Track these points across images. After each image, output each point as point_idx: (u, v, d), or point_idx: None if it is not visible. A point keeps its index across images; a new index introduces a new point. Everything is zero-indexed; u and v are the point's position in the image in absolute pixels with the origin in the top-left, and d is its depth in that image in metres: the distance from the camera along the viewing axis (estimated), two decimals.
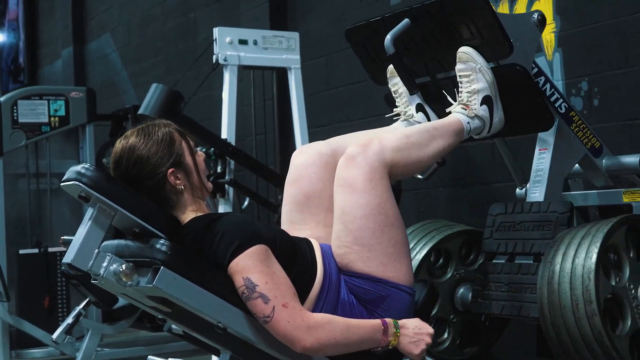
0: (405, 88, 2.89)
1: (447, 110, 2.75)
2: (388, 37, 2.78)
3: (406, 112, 2.91)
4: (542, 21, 2.91)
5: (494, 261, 3.01)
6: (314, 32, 5.46)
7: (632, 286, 2.54)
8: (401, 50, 2.84)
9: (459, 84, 2.74)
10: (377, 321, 2.25)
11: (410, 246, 3.22)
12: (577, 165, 3.22)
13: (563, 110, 3.04)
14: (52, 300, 5.10)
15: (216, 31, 4.49)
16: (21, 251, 5.12)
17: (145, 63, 7.75)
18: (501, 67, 2.78)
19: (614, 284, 2.54)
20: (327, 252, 2.40)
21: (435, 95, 2.90)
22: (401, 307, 2.34)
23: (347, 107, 5.19)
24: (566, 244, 2.61)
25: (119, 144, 2.34)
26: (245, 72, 4.94)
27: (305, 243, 2.40)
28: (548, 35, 3.94)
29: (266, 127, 5.23)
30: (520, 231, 2.92)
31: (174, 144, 2.33)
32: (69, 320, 3.87)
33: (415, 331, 2.27)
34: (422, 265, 3.19)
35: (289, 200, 2.58)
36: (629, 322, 2.49)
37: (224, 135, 4.43)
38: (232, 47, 4.50)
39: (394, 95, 2.97)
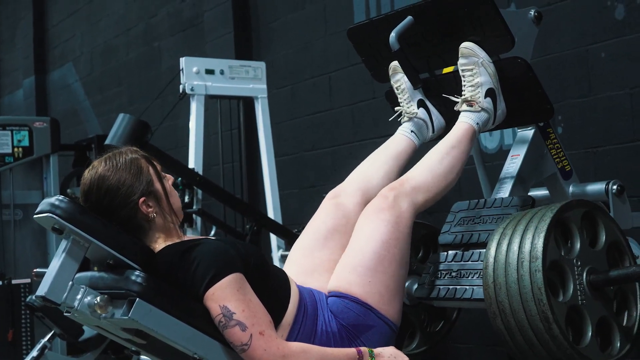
0: (407, 84, 2.96)
1: (455, 108, 2.80)
2: (393, 34, 2.84)
3: (408, 108, 2.96)
4: (538, 17, 3.00)
5: (447, 252, 2.90)
6: (279, 61, 5.49)
7: (579, 263, 2.52)
8: (404, 47, 2.90)
9: (462, 78, 2.80)
10: (352, 350, 2.25)
11: None
12: (543, 191, 3.25)
13: (542, 124, 3.10)
14: (15, 332, 5.04)
15: (183, 61, 4.50)
16: None
17: (108, 92, 7.73)
18: (502, 61, 2.85)
19: (562, 254, 2.51)
20: (303, 288, 2.41)
21: (437, 91, 2.97)
22: (383, 340, 2.36)
23: (313, 135, 5.21)
24: (518, 218, 2.56)
25: (88, 175, 2.33)
26: (211, 101, 4.94)
27: (280, 270, 2.42)
28: None
29: (233, 156, 5.24)
30: (478, 224, 2.89)
31: (142, 171, 2.33)
32: (34, 353, 3.83)
33: (390, 359, 2.28)
34: None
35: (315, 230, 2.65)
36: (570, 294, 2.44)
37: (191, 165, 4.43)
38: (199, 76, 4.52)
39: (396, 91, 3.03)
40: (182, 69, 4.49)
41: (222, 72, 4.58)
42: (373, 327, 2.35)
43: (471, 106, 2.77)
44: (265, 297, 2.23)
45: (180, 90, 4.50)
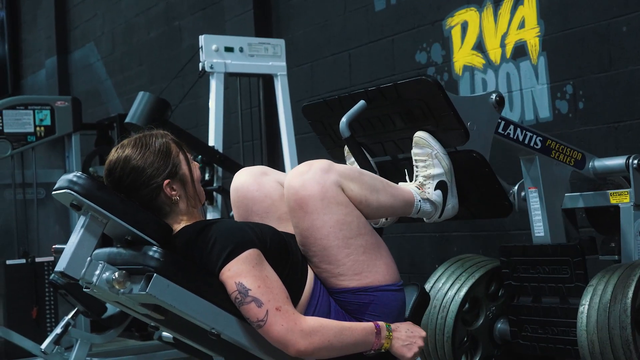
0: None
1: (400, 184, 2.66)
2: (343, 120, 2.75)
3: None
4: (500, 102, 2.88)
5: (521, 303, 3.25)
6: (298, 39, 5.48)
7: None
8: (358, 131, 2.83)
9: (415, 167, 2.70)
10: (370, 324, 2.26)
11: (441, 301, 3.36)
12: None
13: (539, 145, 3.09)
14: (40, 310, 5.09)
15: (202, 39, 4.50)
16: (8, 262, 5.10)
17: (129, 72, 7.75)
18: (458, 153, 2.74)
19: None
20: None
21: (394, 175, 2.84)
22: (389, 307, 2.34)
23: None
24: (595, 307, 2.87)
25: (115, 153, 2.33)
26: (231, 79, 4.94)
27: (294, 240, 2.38)
28: (532, 40, 3.97)
29: (253, 134, 5.24)
30: (538, 275, 3.18)
31: (170, 155, 2.32)
32: (58, 330, 3.87)
33: (407, 334, 2.29)
34: (457, 319, 3.32)
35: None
36: None
37: (211, 143, 4.44)
38: (218, 54, 4.51)
39: None
40: (202, 47, 4.49)
41: (241, 50, 4.58)
42: (371, 303, 2.31)
43: (418, 189, 2.64)
44: (284, 276, 2.23)
45: (200, 68, 4.50)
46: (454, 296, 3.31)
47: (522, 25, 4.02)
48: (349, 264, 2.30)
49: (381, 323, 2.27)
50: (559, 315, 3.10)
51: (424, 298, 2.51)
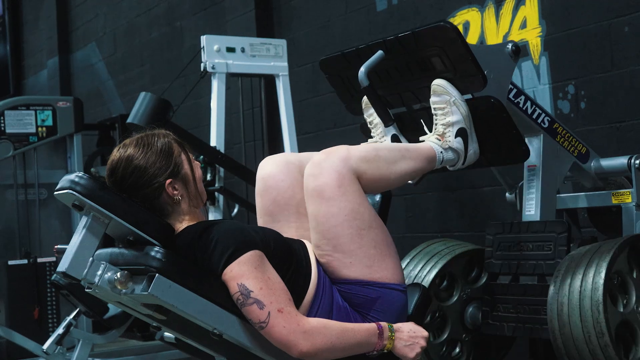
0: (380, 119, 2.89)
1: (420, 139, 2.72)
2: (362, 69, 2.77)
3: (381, 142, 2.90)
4: (516, 51, 2.90)
5: (499, 282, 3.08)
6: (300, 39, 5.48)
7: (639, 309, 2.61)
8: (375, 82, 2.83)
9: (434, 116, 2.73)
10: (372, 325, 2.26)
11: (415, 272, 3.25)
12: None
13: (546, 125, 3.06)
14: (41, 310, 5.08)
15: (204, 39, 4.50)
16: (10, 262, 5.10)
17: (131, 72, 7.75)
18: (476, 100, 2.77)
19: (622, 310, 2.59)
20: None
21: (411, 126, 2.88)
22: (394, 306, 2.35)
23: (335, 113, 5.20)
24: (571, 273, 2.67)
25: (117, 152, 2.33)
26: (233, 79, 4.94)
27: (299, 245, 2.40)
28: (534, 40, 3.97)
29: (255, 134, 5.24)
30: (520, 251, 3.01)
31: (172, 154, 2.33)
32: (60, 330, 3.87)
33: (410, 335, 2.28)
34: (430, 291, 3.21)
35: (262, 212, 2.57)
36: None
37: (213, 143, 4.43)
38: (220, 54, 4.51)
39: (369, 125, 2.97)
40: (203, 47, 4.48)
41: (243, 50, 4.57)
42: (378, 299, 2.33)
43: (439, 140, 2.68)
44: (287, 279, 2.23)
45: (202, 69, 4.50)
46: (431, 268, 3.24)
47: (523, 25, 4.02)
48: (361, 254, 2.32)
49: (383, 324, 2.27)
50: (533, 293, 2.95)
51: (425, 298, 2.51)
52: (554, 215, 3.13)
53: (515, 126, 2.77)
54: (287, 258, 2.30)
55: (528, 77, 4.00)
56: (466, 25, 4.33)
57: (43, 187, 5.41)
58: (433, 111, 2.74)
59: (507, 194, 3.49)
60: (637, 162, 3.10)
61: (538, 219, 3.05)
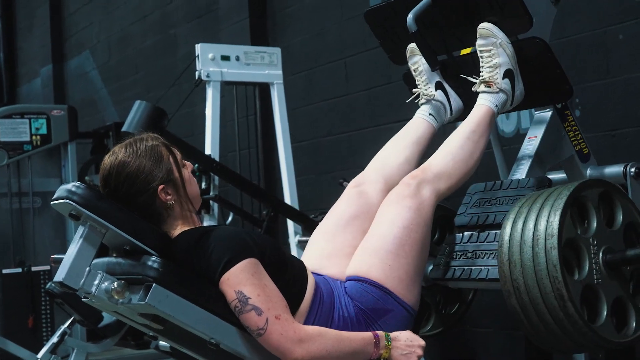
0: (425, 66, 2.95)
1: (473, 89, 2.80)
2: (410, 15, 2.82)
3: (426, 90, 2.97)
4: None
5: (463, 233, 2.91)
6: (294, 47, 5.48)
7: (595, 242, 2.50)
8: (422, 29, 2.88)
9: (480, 59, 2.79)
10: (369, 334, 2.26)
11: None
12: (561, 175, 3.24)
13: (559, 106, 3.08)
14: (36, 319, 5.08)
15: (198, 47, 4.50)
16: (4, 270, 5.10)
17: (125, 80, 7.75)
18: (521, 42, 2.84)
19: (578, 232, 2.50)
20: (318, 276, 2.42)
21: (455, 72, 2.96)
22: (401, 324, 2.36)
23: (329, 121, 5.21)
24: (534, 197, 2.54)
25: (108, 160, 2.33)
26: (227, 87, 4.95)
27: (297, 260, 2.42)
28: None
29: (249, 142, 5.24)
30: (494, 205, 2.90)
31: (162, 159, 2.33)
32: (54, 339, 3.86)
33: (406, 343, 2.28)
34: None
35: (338, 216, 2.65)
36: (585, 273, 2.42)
37: (207, 151, 4.43)
38: (215, 63, 4.51)
39: (413, 73, 3.02)
40: (198, 55, 4.49)
41: (237, 58, 4.58)
42: (391, 311, 2.35)
43: (489, 87, 2.76)
44: (282, 287, 2.23)
45: (196, 77, 4.50)
46: None
47: None
48: (402, 264, 2.42)
49: (380, 333, 2.27)
50: (493, 240, 2.75)
51: (423, 307, 2.52)
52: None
53: (560, 65, 2.83)
54: (282, 266, 2.30)
55: None
56: None
57: (37, 196, 5.41)
58: (479, 54, 2.79)
59: None
60: (633, 169, 3.10)
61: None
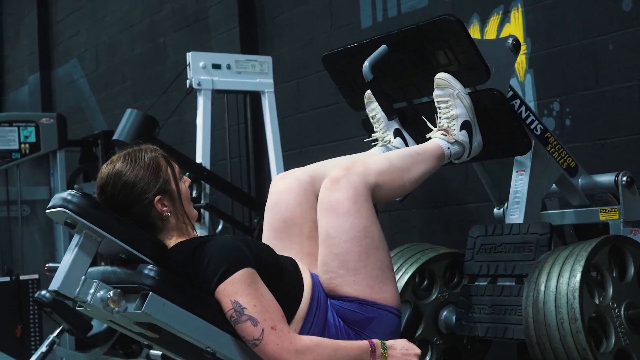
0: (383, 113, 2.91)
1: (427, 136, 2.77)
2: (366, 63, 2.79)
3: (384, 137, 2.93)
4: (516, 46, 2.94)
5: (477, 283, 3.02)
6: (284, 56, 5.49)
7: (615, 305, 2.57)
8: (379, 76, 2.85)
9: (438, 110, 2.76)
10: (365, 342, 2.26)
11: (395, 267, 3.20)
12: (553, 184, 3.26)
13: (538, 132, 3.08)
14: (24, 328, 5.04)
15: (189, 56, 4.51)
16: None
17: (113, 88, 7.73)
18: (478, 92, 2.81)
19: (597, 302, 2.57)
20: (313, 276, 2.40)
21: (413, 120, 2.92)
22: (388, 328, 2.36)
23: (318, 130, 5.21)
24: (550, 264, 2.64)
25: (105, 169, 2.33)
26: (218, 96, 4.95)
27: (290, 261, 2.41)
28: (519, 57, 3.99)
29: (240, 150, 5.24)
30: (501, 253, 2.95)
31: (160, 170, 2.33)
32: (43, 348, 3.84)
33: (402, 352, 2.28)
34: (407, 287, 3.16)
35: (268, 227, 2.59)
36: (613, 341, 2.52)
37: (198, 160, 4.43)
38: (206, 71, 4.52)
39: (371, 120, 2.99)
40: (189, 64, 4.49)
41: (228, 67, 4.59)
42: (374, 319, 2.34)
43: (445, 135, 2.73)
44: (278, 294, 2.23)
45: (187, 85, 4.51)
46: (412, 263, 3.20)
47: None
48: (365, 273, 2.35)
49: (376, 341, 2.27)
50: (509, 294, 2.89)
51: (417, 315, 2.53)
52: (539, 220, 3.11)
53: (518, 118, 2.82)
54: (277, 273, 2.30)
55: None
56: None
57: (26, 204, 5.39)
58: (437, 104, 2.77)
59: (495, 210, 3.50)
60: (624, 178, 3.12)
61: (521, 222, 3.03)
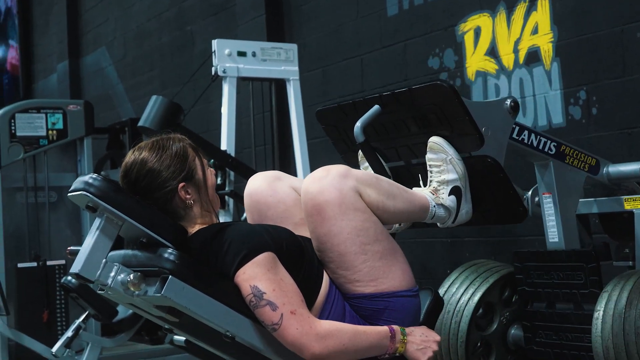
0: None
1: (414, 189, 2.66)
2: (358, 124, 2.74)
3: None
4: (514, 108, 2.88)
5: (535, 309, 3.22)
6: (310, 43, 5.48)
7: None
8: (372, 135, 2.82)
9: (429, 173, 2.69)
10: (385, 328, 2.25)
11: (454, 306, 3.34)
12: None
13: (554, 151, 3.07)
14: (50, 313, 5.09)
15: (215, 43, 4.51)
16: (19, 265, 5.10)
17: (141, 76, 7.77)
18: (473, 158, 2.73)
19: None
20: None
21: (408, 180, 2.84)
22: (403, 313, 2.33)
23: None
24: (610, 313, 2.84)
25: (132, 155, 2.33)
26: (243, 83, 4.95)
27: (311, 244, 2.37)
28: (546, 45, 3.96)
29: (265, 138, 5.24)
30: (551, 280, 3.16)
31: (187, 159, 2.33)
32: (69, 333, 3.87)
33: (422, 338, 2.28)
34: (471, 323, 3.30)
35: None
36: None
37: (223, 147, 4.44)
38: (231, 58, 4.52)
39: None
40: (214, 51, 4.49)
41: (254, 54, 4.58)
42: (386, 309, 2.31)
43: (432, 195, 2.64)
44: (299, 280, 2.23)
45: (213, 73, 4.51)
46: (468, 301, 3.30)
47: (535, 30, 4.02)
48: (366, 270, 2.30)
49: (395, 327, 2.26)
50: (573, 321, 3.08)
51: (437, 302, 2.51)
52: (577, 236, 3.20)
53: (513, 187, 2.75)
54: (299, 258, 2.29)
55: (540, 83, 4.00)
56: (477, 31, 4.33)
57: (53, 190, 5.41)
58: (428, 168, 2.70)
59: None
60: None
61: (563, 246, 3.14)
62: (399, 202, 2.43)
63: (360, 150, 2.88)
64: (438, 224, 2.69)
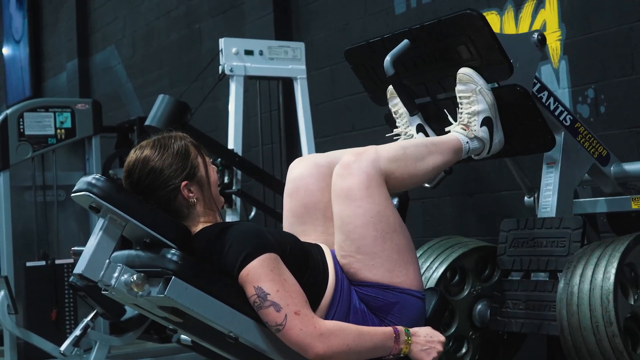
0: (405, 109, 2.89)
1: (447, 129, 2.74)
2: (387, 58, 2.76)
3: (406, 132, 2.91)
4: (542, 41, 2.89)
5: (510, 278, 3.03)
6: (318, 42, 5.47)
7: None
8: (401, 71, 2.82)
9: (459, 105, 2.73)
10: (389, 328, 2.25)
11: (427, 265, 3.22)
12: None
13: (568, 123, 3.04)
14: (59, 312, 5.10)
15: (222, 42, 4.50)
16: (28, 263, 5.12)
17: (149, 75, 7.78)
18: (501, 88, 2.76)
19: (632, 302, 2.55)
20: (336, 259, 2.39)
21: (436, 115, 2.88)
22: (412, 312, 2.34)
23: (353, 116, 5.19)
24: (583, 264, 2.62)
25: (134, 154, 2.34)
26: (250, 82, 4.95)
27: (317, 249, 2.39)
28: (554, 43, 3.94)
29: (272, 137, 5.24)
30: (534, 247, 2.94)
31: (189, 157, 2.33)
32: (77, 332, 3.87)
33: (426, 339, 2.27)
34: (439, 284, 3.19)
35: (289, 213, 2.58)
36: None
37: (230, 146, 4.44)
38: (238, 57, 4.51)
39: (394, 115, 2.97)
40: (221, 50, 4.49)
41: (261, 53, 4.58)
42: (397, 304, 2.32)
43: (464, 130, 2.69)
44: (304, 283, 2.23)
45: (220, 71, 4.51)
46: (443, 260, 3.20)
47: (543, 28, 4.00)
48: (383, 257, 2.32)
49: (400, 328, 2.26)
50: (543, 289, 2.91)
51: (443, 302, 2.50)
52: (571, 213, 3.10)
53: (542, 114, 2.76)
54: (304, 262, 2.29)
55: (547, 81, 3.97)
56: None
57: (61, 189, 5.42)
58: (458, 100, 2.74)
59: (525, 198, 3.47)
60: None
61: (554, 215, 3.01)
62: (430, 160, 2.52)
63: (389, 87, 2.91)
64: (474, 157, 2.74)
